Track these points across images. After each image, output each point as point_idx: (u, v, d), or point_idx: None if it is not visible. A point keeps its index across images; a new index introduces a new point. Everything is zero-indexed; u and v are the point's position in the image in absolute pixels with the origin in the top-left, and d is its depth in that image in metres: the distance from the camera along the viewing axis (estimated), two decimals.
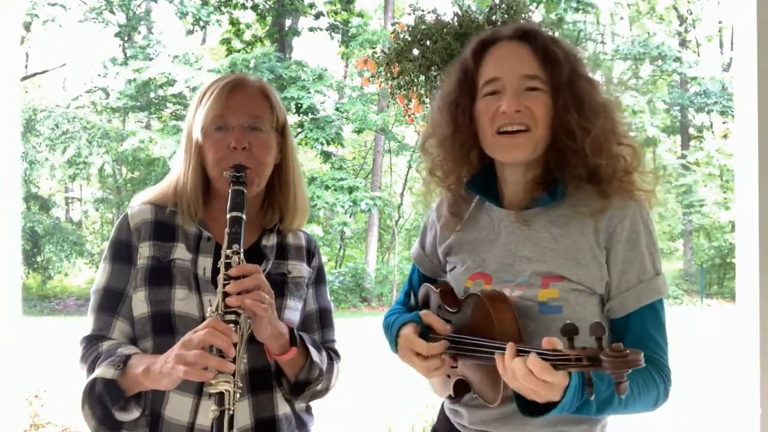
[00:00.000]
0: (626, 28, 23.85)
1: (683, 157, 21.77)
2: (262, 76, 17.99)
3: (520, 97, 1.32)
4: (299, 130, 19.30)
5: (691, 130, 23.48)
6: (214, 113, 1.44)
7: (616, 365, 0.98)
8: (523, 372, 1.09)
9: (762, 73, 2.35)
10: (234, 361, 1.23)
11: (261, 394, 1.43)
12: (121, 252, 1.46)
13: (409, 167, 20.73)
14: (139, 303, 1.42)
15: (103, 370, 1.30)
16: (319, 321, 1.61)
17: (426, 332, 1.39)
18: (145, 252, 1.45)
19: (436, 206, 1.58)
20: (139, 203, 1.53)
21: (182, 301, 1.40)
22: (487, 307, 1.26)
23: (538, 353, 1.08)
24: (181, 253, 1.45)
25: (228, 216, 1.36)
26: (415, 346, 1.36)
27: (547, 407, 1.14)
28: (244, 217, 1.37)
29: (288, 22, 20.95)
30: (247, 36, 20.75)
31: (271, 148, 1.50)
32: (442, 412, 1.55)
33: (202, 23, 19.48)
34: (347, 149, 23.15)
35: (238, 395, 1.23)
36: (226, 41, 20.62)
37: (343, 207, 18.61)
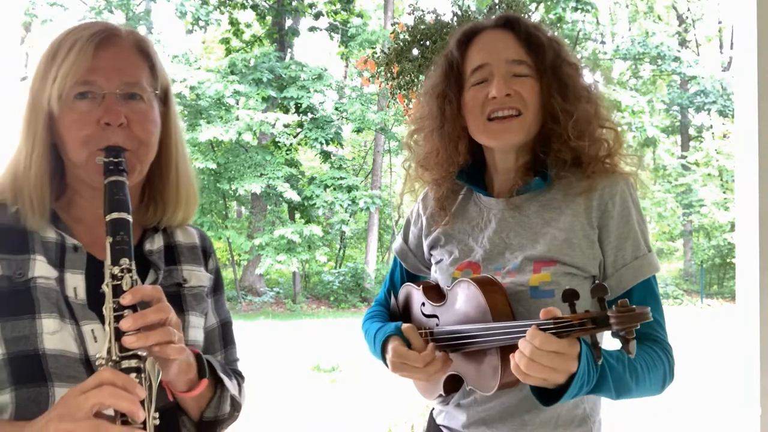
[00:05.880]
0: (625, 27, 23.85)
1: (683, 157, 21.76)
2: (262, 76, 18.17)
3: (508, 82, 1.33)
4: (299, 129, 19.30)
5: (691, 131, 23.47)
6: (76, 76, 1.07)
7: (625, 320, 0.97)
8: (529, 349, 1.06)
9: (762, 73, 2.34)
10: (144, 426, 0.93)
11: None
12: None
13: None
14: None
15: None
16: (222, 338, 1.29)
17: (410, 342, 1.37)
18: None
19: (422, 198, 1.57)
20: None
21: (53, 335, 1.03)
22: (477, 292, 1.25)
23: (538, 325, 1.07)
24: (42, 268, 1.07)
25: (107, 218, 1.01)
26: (408, 360, 1.33)
27: (567, 388, 1.11)
28: (130, 218, 1.02)
29: (288, 22, 20.94)
30: (247, 36, 20.74)
31: (156, 123, 1.16)
32: (431, 419, 1.51)
33: (201, 23, 19.46)
34: (347, 149, 23.15)
35: None
36: (225, 41, 20.62)
37: (342, 206, 18.62)
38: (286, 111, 18.94)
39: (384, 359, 1.42)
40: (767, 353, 2.34)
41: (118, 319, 0.95)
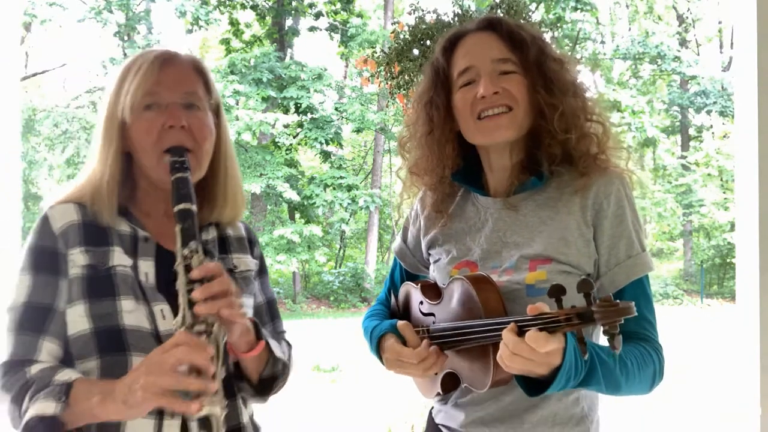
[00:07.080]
0: (625, 27, 23.86)
1: (683, 157, 21.77)
2: (262, 76, 18.15)
3: (495, 81, 1.35)
4: (299, 129, 19.30)
5: (691, 131, 23.48)
6: (145, 89, 1.27)
7: (608, 315, 0.99)
8: (513, 342, 1.08)
9: (762, 73, 2.35)
10: (214, 377, 1.10)
11: (227, 402, 1.29)
12: (45, 261, 1.25)
13: None
14: (78, 318, 1.23)
15: (42, 405, 1.10)
16: (269, 313, 1.50)
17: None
18: (79, 260, 1.25)
19: (420, 198, 1.59)
20: (58, 202, 1.32)
21: (131, 313, 1.22)
22: (470, 289, 1.27)
23: (524, 321, 1.08)
24: (120, 258, 1.26)
25: (175, 210, 1.20)
26: (402, 356, 1.35)
27: (553, 378, 1.12)
28: (194, 208, 1.21)
29: (288, 22, 20.95)
30: (247, 36, 20.75)
31: (211, 130, 1.34)
32: (430, 418, 1.53)
33: (201, 23, 19.47)
34: (347, 149, 23.15)
35: (223, 417, 1.10)
36: (225, 41, 20.62)
37: (341, 205, 18.64)
38: (286, 111, 18.95)
39: (380, 357, 1.44)
40: (767, 353, 2.34)
41: (189, 292, 1.14)
